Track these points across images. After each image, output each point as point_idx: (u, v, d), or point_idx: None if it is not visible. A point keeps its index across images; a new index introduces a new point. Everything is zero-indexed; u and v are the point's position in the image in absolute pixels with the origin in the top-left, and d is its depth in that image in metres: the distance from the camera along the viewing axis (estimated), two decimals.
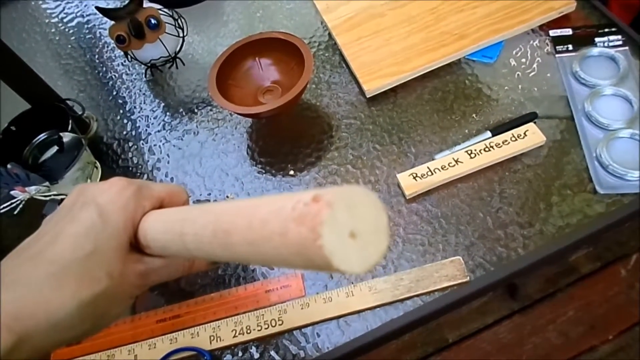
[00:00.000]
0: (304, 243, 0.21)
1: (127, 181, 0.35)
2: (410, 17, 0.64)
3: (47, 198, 0.58)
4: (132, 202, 0.34)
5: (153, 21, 0.62)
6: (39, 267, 0.30)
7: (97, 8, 0.63)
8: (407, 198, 0.52)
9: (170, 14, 0.66)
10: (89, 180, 0.60)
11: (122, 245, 0.33)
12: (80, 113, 0.63)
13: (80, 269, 0.31)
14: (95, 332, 0.34)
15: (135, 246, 0.35)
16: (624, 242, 0.48)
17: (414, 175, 0.52)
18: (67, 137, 0.59)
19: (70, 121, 0.58)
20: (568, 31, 0.61)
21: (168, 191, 0.37)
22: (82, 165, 0.58)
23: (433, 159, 0.54)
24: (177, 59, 0.70)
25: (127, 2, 0.62)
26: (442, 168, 0.52)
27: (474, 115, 0.57)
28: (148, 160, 0.63)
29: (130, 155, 0.64)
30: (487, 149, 0.53)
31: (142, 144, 0.64)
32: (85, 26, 0.81)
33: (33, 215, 0.58)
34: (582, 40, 0.59)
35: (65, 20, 0.83)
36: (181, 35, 0.67)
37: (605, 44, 0.59)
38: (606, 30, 0.60)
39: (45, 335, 0.29)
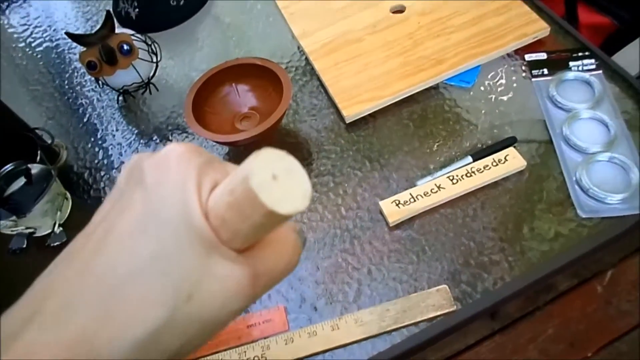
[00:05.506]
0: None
1: (190, 150, 0.23)
2: (388, 42, 0.64)
3: (14, 232, 0.55)
4: (195, 176, 0.22)
5: (125, 47, 0.61)
6: (85, 288, 0.21)
7: (67, 34, 0.61)
8: (391, 226, 0.51)
9: (144, 39, 0.64)
10: (59, 213, 0.57)
11: (196, 242, 0.21)
12: (49, 142, 0.60)
13: (136, 287, 0.21)
14: None
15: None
16: (599, 258, 0.49)
17: (397, 202, 0.52)
18: (35, 168, 0.56)
19: (39, 152, 0.56)
20: (543, 55, 0.61)
21: None
22: (52, 197, 0.56)
23: (415, 185, 0.54)
24: (151, 85, 0.68)
25: (98, 27, 0.60)
26: (425, 194, 0.52)
27: (453, 139, 0.57)
28: None
29: (102, 185, 0.61)
30: (468, 174, 0.53)
31: (115, 173, 0.62)
32: (54, 51, 0.79)
33: None
34: (557, 64, 0.60)
35: (33, 44, 0.80)
36: (155, 60, 0.65)
37: (580, 68, 0.59)
38: (580, 54, 0.61)
39: None
